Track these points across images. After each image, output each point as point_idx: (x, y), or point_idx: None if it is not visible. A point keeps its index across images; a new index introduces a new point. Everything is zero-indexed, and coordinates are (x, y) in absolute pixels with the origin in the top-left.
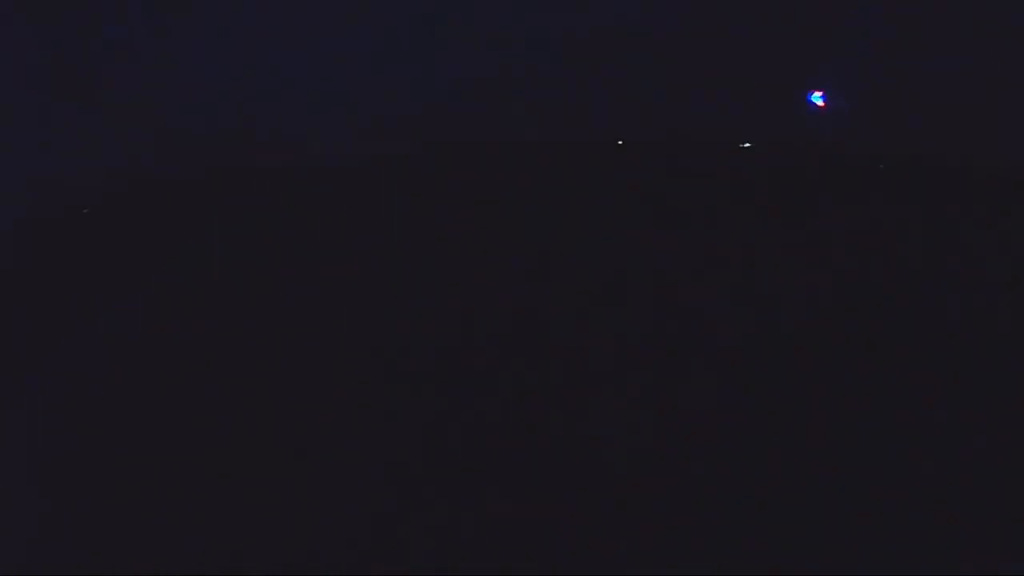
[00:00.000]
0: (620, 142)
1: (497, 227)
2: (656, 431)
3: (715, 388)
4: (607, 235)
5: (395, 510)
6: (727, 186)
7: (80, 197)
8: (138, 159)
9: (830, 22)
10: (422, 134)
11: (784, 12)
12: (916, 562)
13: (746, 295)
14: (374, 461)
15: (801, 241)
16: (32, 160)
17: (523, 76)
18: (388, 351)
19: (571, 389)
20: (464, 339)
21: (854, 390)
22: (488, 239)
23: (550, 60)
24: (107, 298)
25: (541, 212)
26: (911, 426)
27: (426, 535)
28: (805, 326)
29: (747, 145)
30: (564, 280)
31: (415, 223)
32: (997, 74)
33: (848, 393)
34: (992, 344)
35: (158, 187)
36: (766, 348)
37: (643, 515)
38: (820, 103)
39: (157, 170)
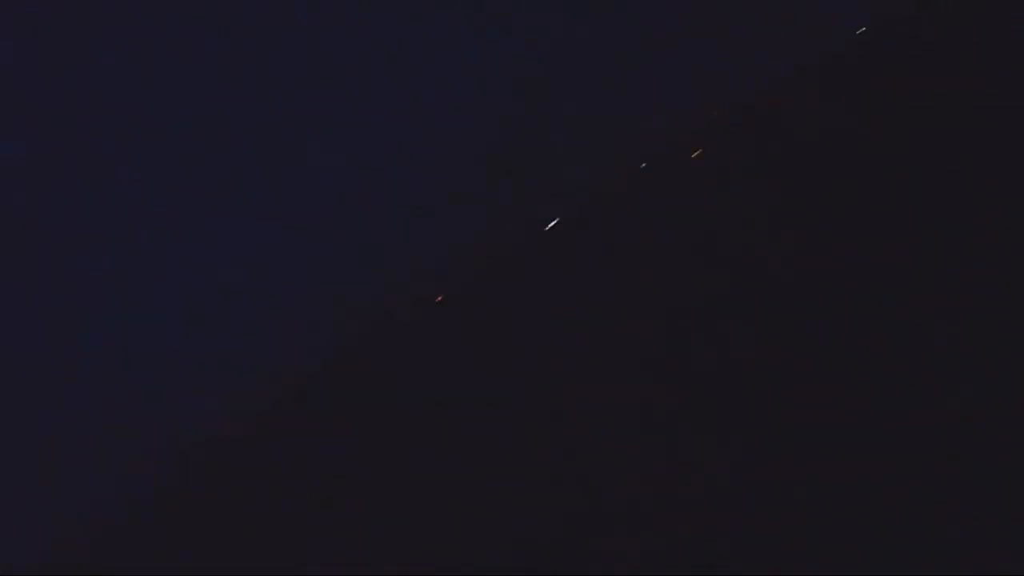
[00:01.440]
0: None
1: None
2: (655, 430)
3: (716, 383)
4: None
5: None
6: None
7: None
8: None
9: None
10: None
11: None
12: (916, 562)
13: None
14: (377, 461)
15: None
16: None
17: None
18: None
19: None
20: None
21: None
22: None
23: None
24: None
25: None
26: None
27: (430, 534)
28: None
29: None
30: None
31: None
32: None
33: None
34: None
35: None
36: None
37: (642, 514)
38: None
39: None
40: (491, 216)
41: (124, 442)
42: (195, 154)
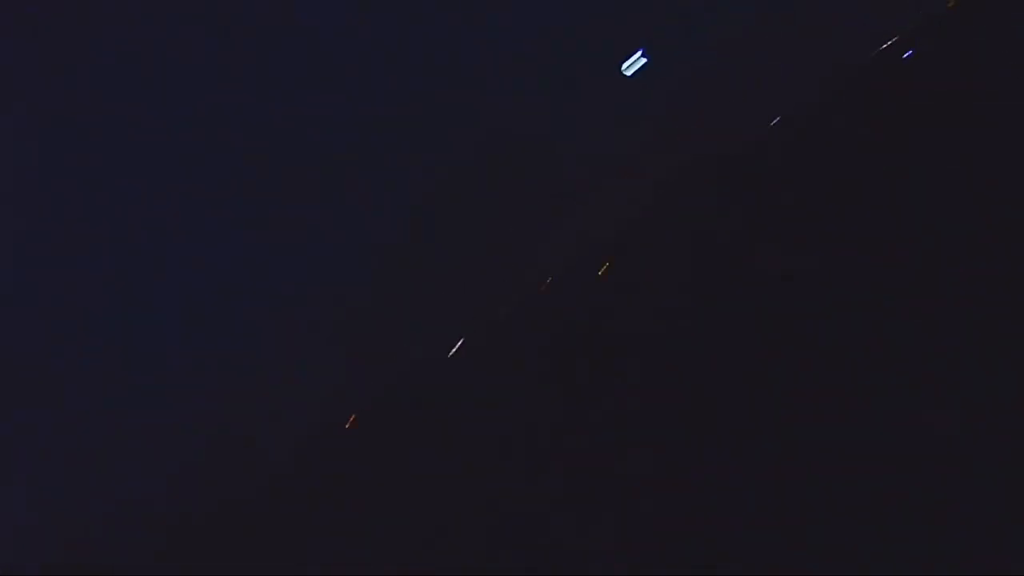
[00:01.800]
0: None
1: None
2: (655, 429)
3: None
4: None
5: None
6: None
7: None
8: None
9: None
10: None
11: None
12: (916, 562)
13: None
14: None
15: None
16: None
17: None
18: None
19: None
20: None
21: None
22: None
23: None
24: None
25: None
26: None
27: (432, 534)
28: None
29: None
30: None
31: None
32: None
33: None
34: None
35: None
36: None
37: (642, 514)
38: None
39: None
40: (490, 214)
41: (123, 442)
42: (195, 154)
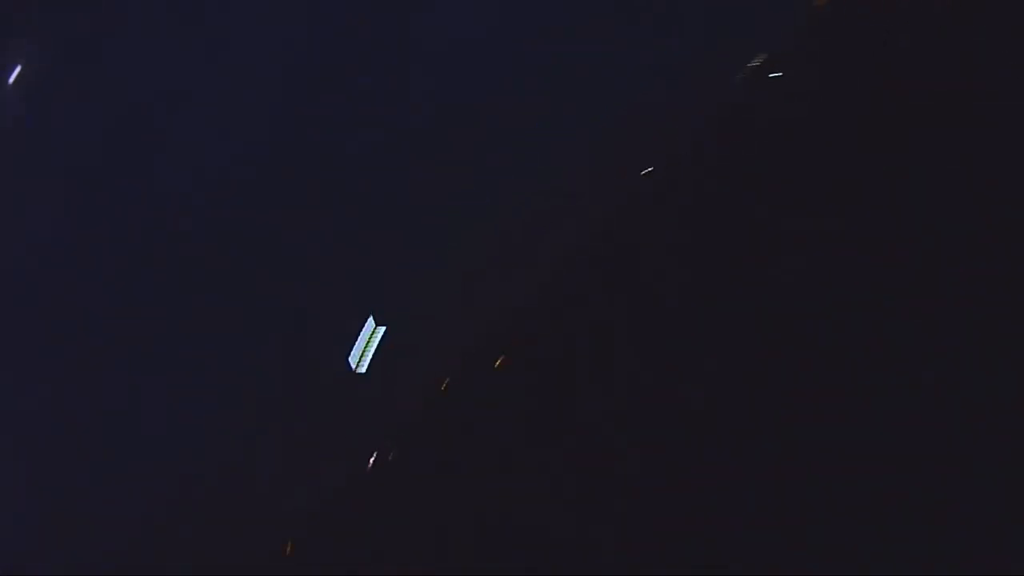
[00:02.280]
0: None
1: None
2: (653, 428)
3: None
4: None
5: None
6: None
7: None
8: None
9: None
10: None
11: None
12: (916, 562)
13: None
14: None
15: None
16: None
17: None
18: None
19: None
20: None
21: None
22: None
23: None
24: None
25: None
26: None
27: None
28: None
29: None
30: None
31: None
32: None
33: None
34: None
35: None
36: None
37: (643, 514)
38: None
39: None
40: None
41: (124, 443)
42: (194, 154)
